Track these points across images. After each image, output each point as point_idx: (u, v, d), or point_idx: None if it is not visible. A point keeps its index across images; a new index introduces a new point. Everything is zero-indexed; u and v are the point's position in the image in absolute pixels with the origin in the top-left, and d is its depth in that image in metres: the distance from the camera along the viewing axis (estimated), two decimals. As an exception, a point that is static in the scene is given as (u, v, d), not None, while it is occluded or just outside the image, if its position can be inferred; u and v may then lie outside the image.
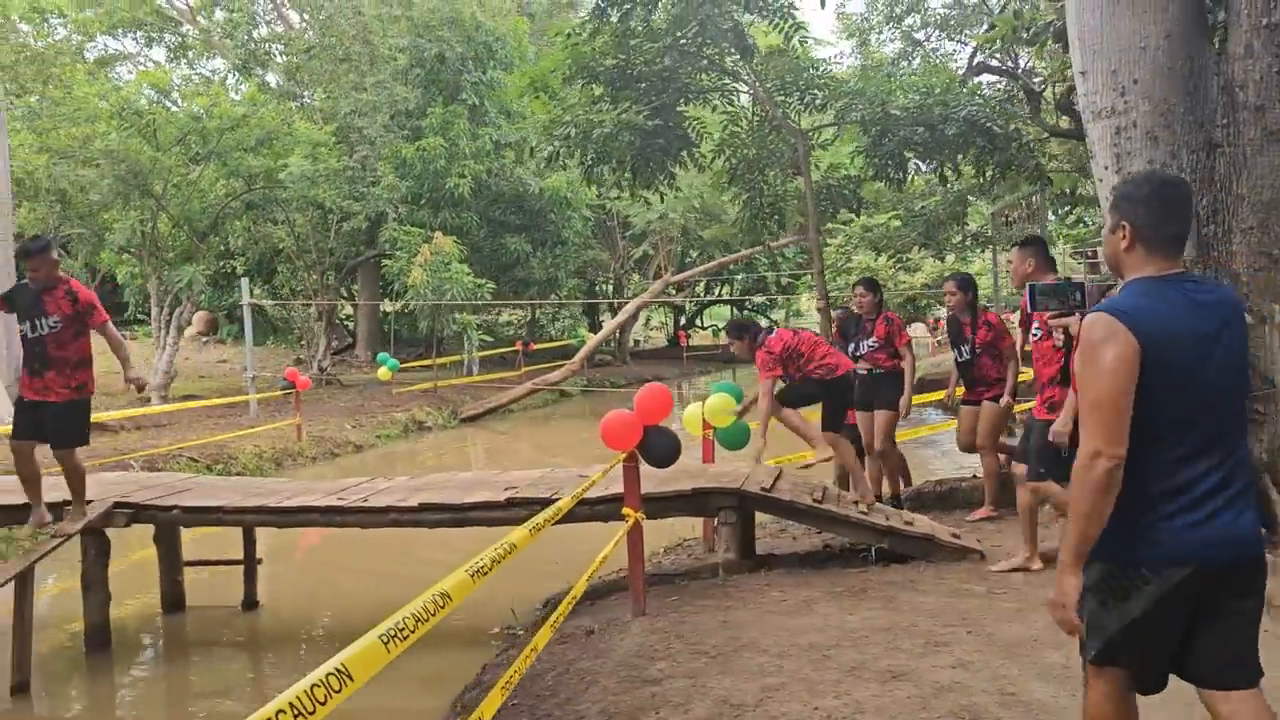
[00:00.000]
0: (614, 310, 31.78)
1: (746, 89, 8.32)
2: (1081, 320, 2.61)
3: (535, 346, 27.87)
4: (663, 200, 10.67)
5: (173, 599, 7.31)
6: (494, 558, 3.05)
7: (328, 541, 9.25)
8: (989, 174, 8.41)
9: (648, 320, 44.30)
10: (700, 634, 4.95)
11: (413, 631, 2.45)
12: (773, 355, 6.40)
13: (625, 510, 5.30)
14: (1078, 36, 6.30)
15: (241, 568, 7.41)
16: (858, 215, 9.68)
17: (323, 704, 2.01)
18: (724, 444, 7.33)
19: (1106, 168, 6.06)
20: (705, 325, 47.09)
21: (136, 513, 6.58)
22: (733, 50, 8.05)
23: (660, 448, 5.31)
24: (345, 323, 30.35)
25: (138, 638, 7.08)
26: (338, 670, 2.11)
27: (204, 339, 29.65)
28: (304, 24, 28.15)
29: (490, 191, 23.91)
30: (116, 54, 34.47)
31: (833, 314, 8.54)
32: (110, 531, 6.60)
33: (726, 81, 8.28)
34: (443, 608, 2.63)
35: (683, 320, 42.14)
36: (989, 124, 7.48)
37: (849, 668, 4.37)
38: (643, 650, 4.83)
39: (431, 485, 6.85)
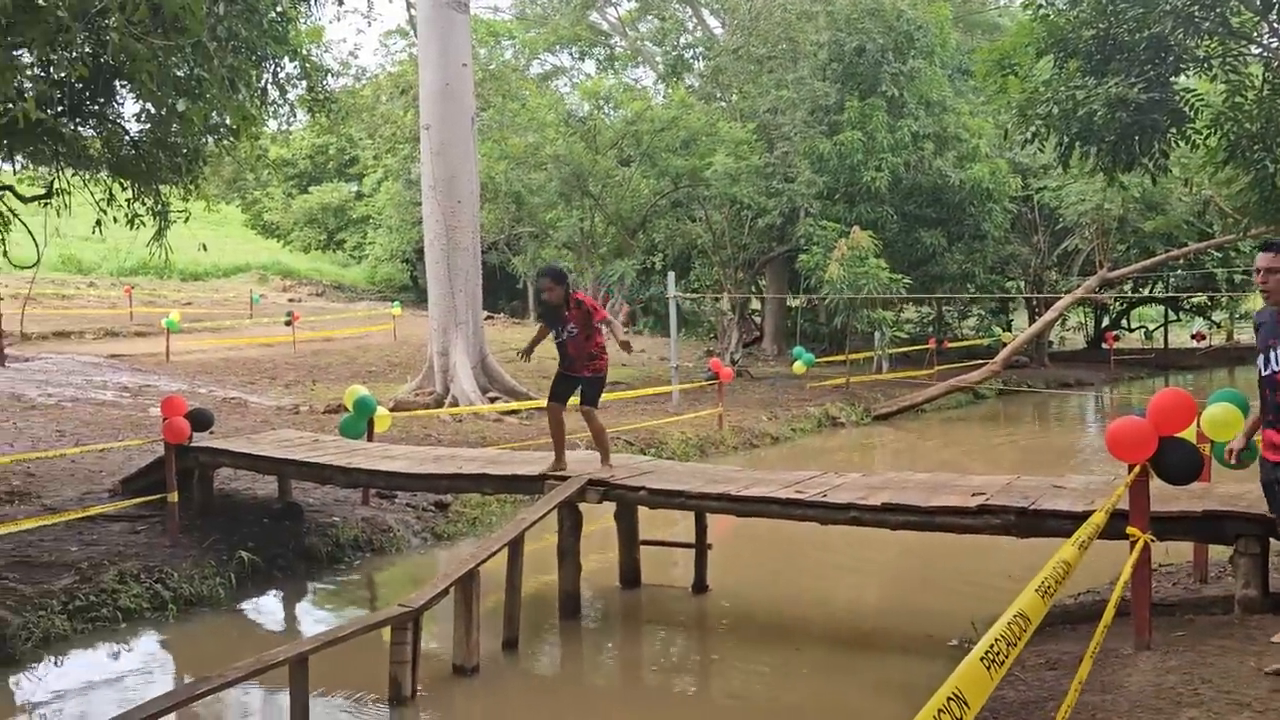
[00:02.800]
0: (1031, 308, 29.78)
1: (1258, 52, 7.21)
2: None
3: (949, 344, 26.80)
4: (1155, 183, 9.61)
5: (630, 575, 7.68)
6: (1055, 577, 2.73)
7: (747, 529, 9.31)
8: None
9: (1064, 321, 41.13)
10: (1231, 681, 4.28)
11: (1006, 656, 2.20)
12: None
13: (1131, 530, 4.71)
14: None
15: (693, 551, 7.61)
16: None
17: (950, 731, 1.82)
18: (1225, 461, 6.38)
19: None
20: (1132, 327, 42.89)
21: (607, 491, 6.96)
22: (1242, 9, 7.01)
23: (1179, 463, 4.67)
24: (753, 317, 31.05)
25: (600, 608, 7.49)
26: (954, 695, 1.91)
27: (624, 330, 31.64)
28: (726, 27, 29.06)
29: (906, 184, 23.25)
30: (555, 68, 37.85)
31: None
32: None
33: (1232, 45, 7.23)
34: (1025, 630, 2.35)
35: (1106, 321, 38.66)
36: None
37: None
38: (1161, 691, 4.26)
39: (890, 485, 6.60)
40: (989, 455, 15.99)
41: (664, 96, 27.08)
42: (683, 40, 30.73)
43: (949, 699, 1.88)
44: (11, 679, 6.12)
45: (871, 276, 19.76)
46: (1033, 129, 7.43)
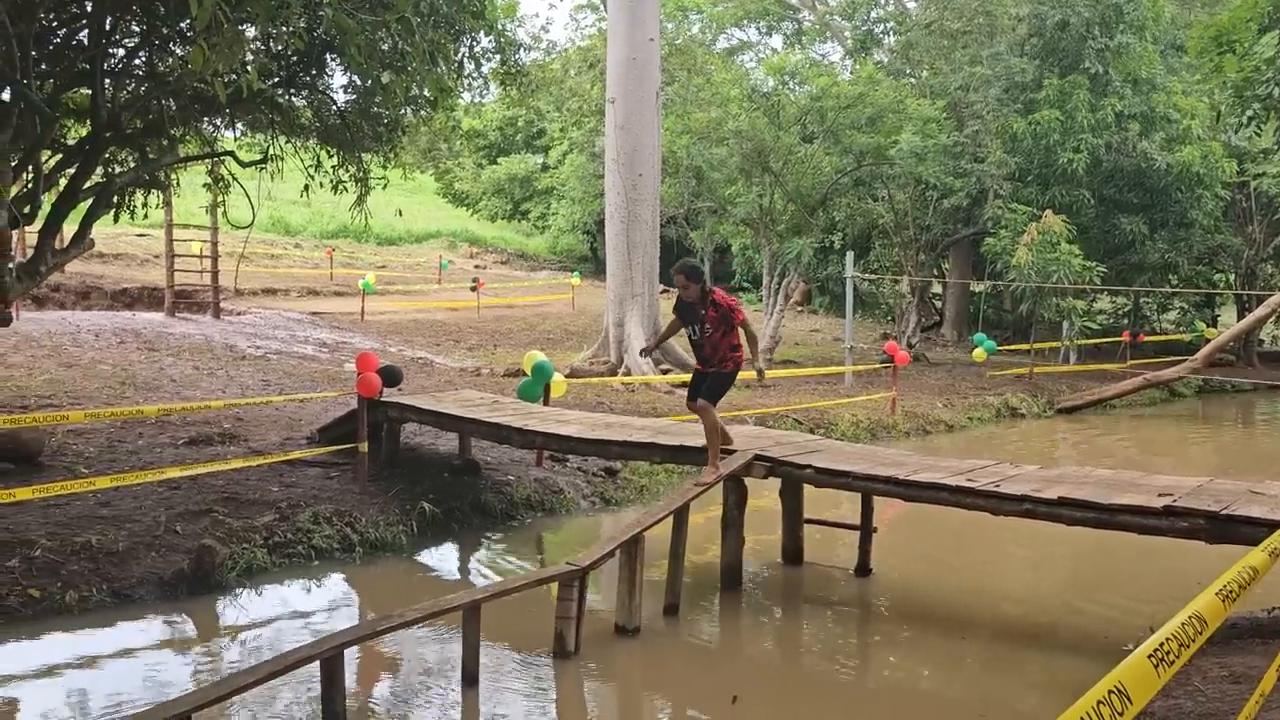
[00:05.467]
0: (1241, 303, 27.75)
1: None
2: None
3: (1145, 338, 25.30)
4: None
5: (792, 552, 7.71)
6: (1239, 581, 2.61)
7: (915, 516, 9.13)
8: None
9: (1279, 318, 38.06)
10: None
11: (1177, 657, 2.14)
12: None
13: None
14: None
15: (857, 533, 7.55)
16: None
17: (1110, 724, 1.80)
18: None
19: None
20: (1358, 328, 39.28)
21: (773, 467, 6.99)
22: None
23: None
24: (933, 301, 30.17)
25: (761, 582, 7.55)
26: (1117, 689, 1.88)
27: (799, 309, 31.37)
28: (919, 1, 28.17)
29: (1106, 167, 22.00)
30: (741, 43, 37.60)
31: None
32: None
33: None
34: (1200, 632, 2.27)
35: (1327, 320, 35.56)
36: None
37: None
38: (1358, 716, 3.98)
39: (1067, 479, 6.36)
40: (1182, 457, 15.10)
41: (851, 72, 26.52)
42: (873, 14, 29.94)
43: (1110, 692, 1.86)
44: (218, 603, 6.71)
45: (1063, 263, 18.87)
46: (1250, 111, 6.92)
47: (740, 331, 6.98)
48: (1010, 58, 22.28)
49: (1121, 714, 1.85)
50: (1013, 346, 23.42)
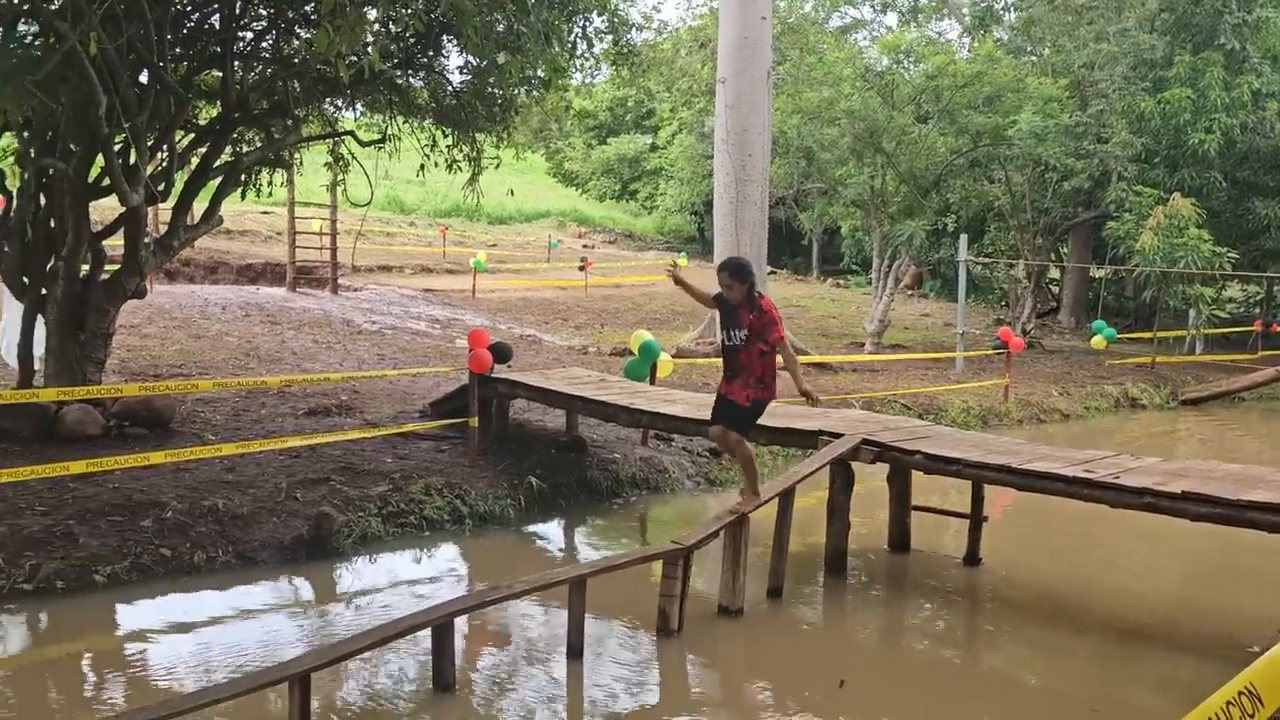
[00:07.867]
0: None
1: None
2: None
3: (1278, 328, 24.05)
4: None
5: (899, 539, 7.60)
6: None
7: (1027, 506, 8.88)
8: None
9: None
10: None
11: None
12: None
13: None
14: None
15: (967, 521, 7.41)
16: None
17: (1240, 725, 1.74)
18: None
19: None
20: None
21: (881, 452, 6.89)
22: None
23: None
24: (1050, 286, 29.23)
25: (866, 568, 7.47)
26: (1248, 690, 1.81)
27: (909, 292, 30.79)
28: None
29: (1241, 148, 20.92)
30: (855, 21, 36.87)
31: None
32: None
33: None
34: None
35: None
36: None
37: None
38: None
39: (1191, 472, 6.12)
40: (1316, 453, 14.34)
41: (969, 50, 25.79)
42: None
43: (1240, 693, 1.79)
44: (334, 569, 6.97)
45: (1191, 249, 18.05)
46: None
47: (778, 354, 6.11)
48: (1139, 34, 21.32)
49: (1252, 716, 1.78)
50: (1134, 334, 22.56)
